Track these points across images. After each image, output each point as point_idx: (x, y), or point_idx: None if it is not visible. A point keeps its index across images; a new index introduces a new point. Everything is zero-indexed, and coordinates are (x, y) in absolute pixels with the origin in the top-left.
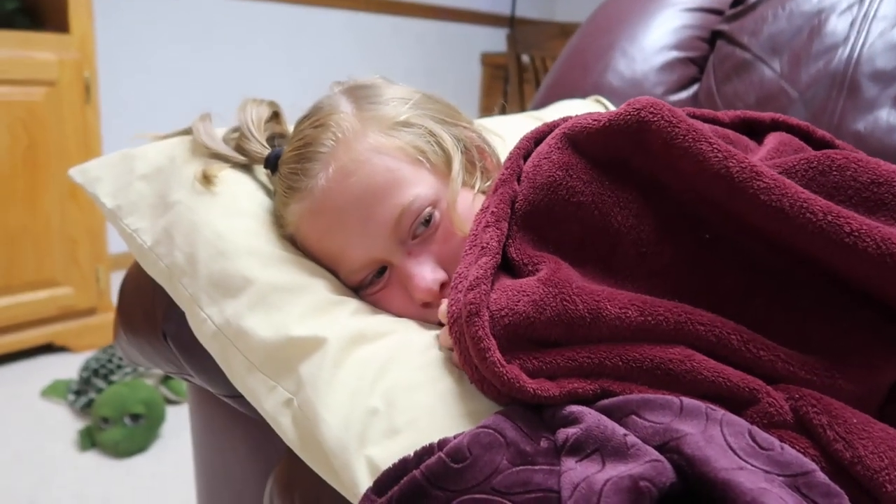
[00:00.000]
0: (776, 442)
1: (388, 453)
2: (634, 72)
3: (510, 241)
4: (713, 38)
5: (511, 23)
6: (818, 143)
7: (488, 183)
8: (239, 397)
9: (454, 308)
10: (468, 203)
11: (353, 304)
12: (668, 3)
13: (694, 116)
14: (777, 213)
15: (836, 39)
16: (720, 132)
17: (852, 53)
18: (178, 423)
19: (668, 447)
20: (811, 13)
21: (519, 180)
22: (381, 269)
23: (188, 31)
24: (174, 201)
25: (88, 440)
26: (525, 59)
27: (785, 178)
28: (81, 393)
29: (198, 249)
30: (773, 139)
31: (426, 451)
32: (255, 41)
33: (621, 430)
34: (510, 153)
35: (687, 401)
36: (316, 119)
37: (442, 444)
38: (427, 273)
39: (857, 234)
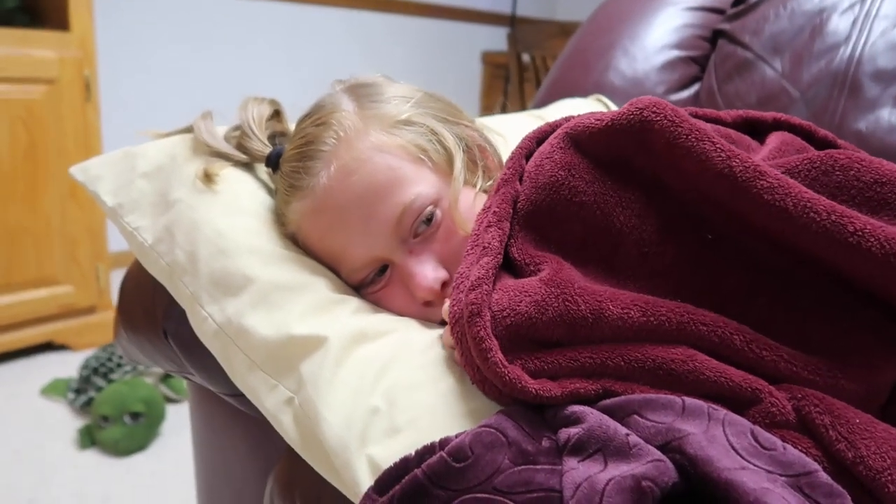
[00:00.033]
0: (778, 442)
1: (390, 452)
2: (636, 71)
3: (512, 240)
4: (714, 37)
5: (512, 22)
6: (820, 143)
7: (490, 182)
8: (239, 396)
9: (456, 308)
10: (470, 202)
11: (354, 302)
12: (669, 1)
13: (696, 116)
14: (780, 213)
15: (837, 39)
16: (723, 132)
17: (854, 53)
18: (178, 422)
19: (671, 447)
20: (813, 12)
21: (521, 180)
22: (383, 268)
23: (188, 30)
24: (175, 199)
25: (88, 438)
26: (526, 58)
27: (788, 178)
28: (81, 391)
29: (199, 248)
30: (775, 139)
31: (427, 451)
32: (255, 41)
33: (623, 430)
34: (512, 153)
35: (689, 401)
36: (317, 117)
37: (443, 443)
38: (428, 272)
39: (860, 233)
